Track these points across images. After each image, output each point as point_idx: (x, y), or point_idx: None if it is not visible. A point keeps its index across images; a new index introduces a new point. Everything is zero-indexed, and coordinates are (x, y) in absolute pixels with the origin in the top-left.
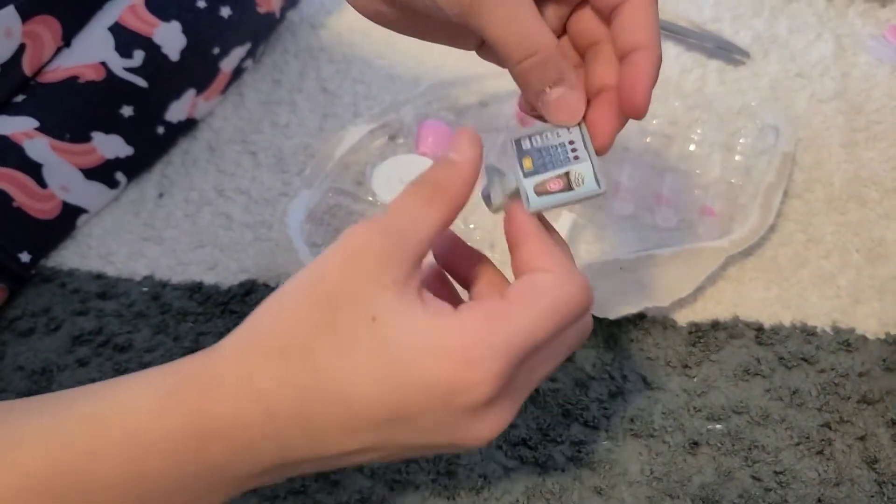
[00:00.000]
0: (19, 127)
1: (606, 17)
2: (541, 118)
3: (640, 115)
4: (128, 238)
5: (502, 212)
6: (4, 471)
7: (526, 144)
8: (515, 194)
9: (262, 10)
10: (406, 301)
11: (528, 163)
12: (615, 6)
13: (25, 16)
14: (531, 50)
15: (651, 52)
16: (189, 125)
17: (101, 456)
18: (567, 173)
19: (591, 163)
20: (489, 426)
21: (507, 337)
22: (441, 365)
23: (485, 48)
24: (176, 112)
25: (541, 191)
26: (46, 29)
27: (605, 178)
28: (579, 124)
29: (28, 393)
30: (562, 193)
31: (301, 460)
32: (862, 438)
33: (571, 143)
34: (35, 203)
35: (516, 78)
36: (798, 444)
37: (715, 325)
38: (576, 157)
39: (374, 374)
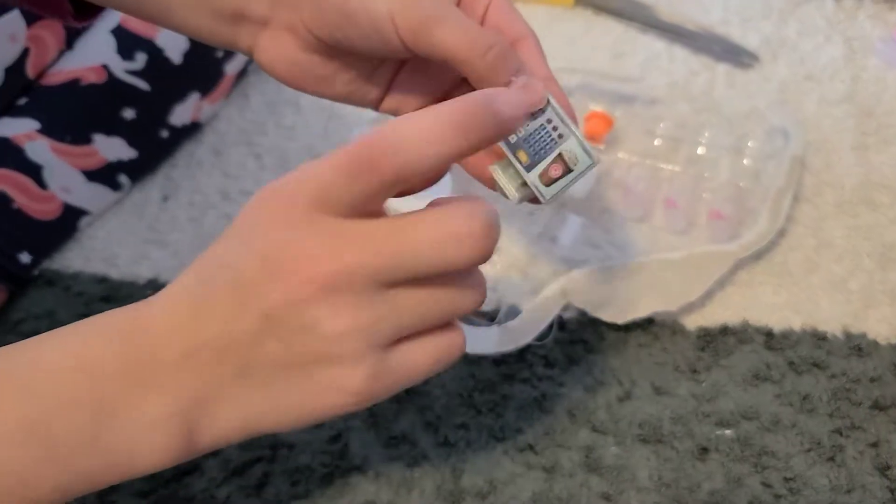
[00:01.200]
0: (20, 129)
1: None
2: None
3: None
4: (132, 241)
5: (525, 202)
6: None
7: (512, 137)
8: (523, 185)
9: None
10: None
11: (523, 156)
12: (482, 14)
13: (30, 20)
14: (491, 43)
15: (531, 38)
16: (193, 128)
17: (49, 343)
18: (560, 154)
19: (576, 137)
20: (301, 264)
21: (381, 230)
22: (300, 242)
23: (387, 100)
24: (180, 115)
25: (546, 180)
26: (50, 33)
27: (592, 150)
28: (546, 98)
29: None
30: (565, 177)
31: (199, 346)
32: (874, 445)
33: (550, 121)
34: (35, 204)
35: (484, 72)
36: (809, 450)
37: (724, 330)
38: (560, 136)
39: (239, 242)
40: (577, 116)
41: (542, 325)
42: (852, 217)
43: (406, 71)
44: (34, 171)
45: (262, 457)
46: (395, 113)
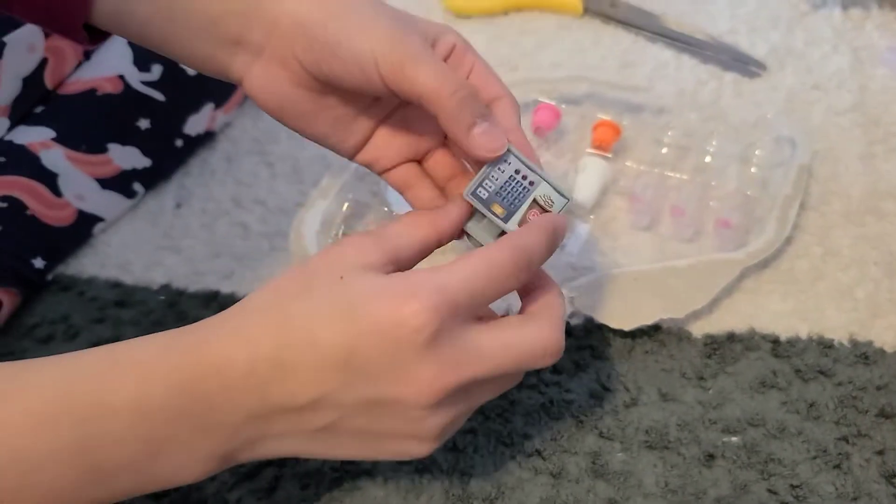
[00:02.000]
0: (36, 137)
1: None
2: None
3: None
4: (145, 247)
5: None
6: (25, 394)
7: (483, 193)
8: (501, 234)
9: None
10: (373, 272)
11: (498, 209)
12: (465, 77)
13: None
14: (459, 85)
15: (507, 98)
16: (207, 137)
17: (111, 382)
18: (535, 200)
19: (547, 181)
20: (431, 370)
21: (444, 278)
22: (387, 302)
23: (364, 152)
24: (194, 125)
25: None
26: (69, 44)
27: (565, 188)
28: (509, 151)
29: None
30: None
31: (277, 409)
32: (880, 452)
33: (518, 171)
34: (49, 211)
35: (450, 111)
36: (815, 457)
37: (731, 337)
38: (531, 183)
39: (335, 317)
40: (586, 125)
41: None
42: (859, 226)
43: (387, 126)
44: (49, 179)
45: (273, 461)
46: (370, 165)
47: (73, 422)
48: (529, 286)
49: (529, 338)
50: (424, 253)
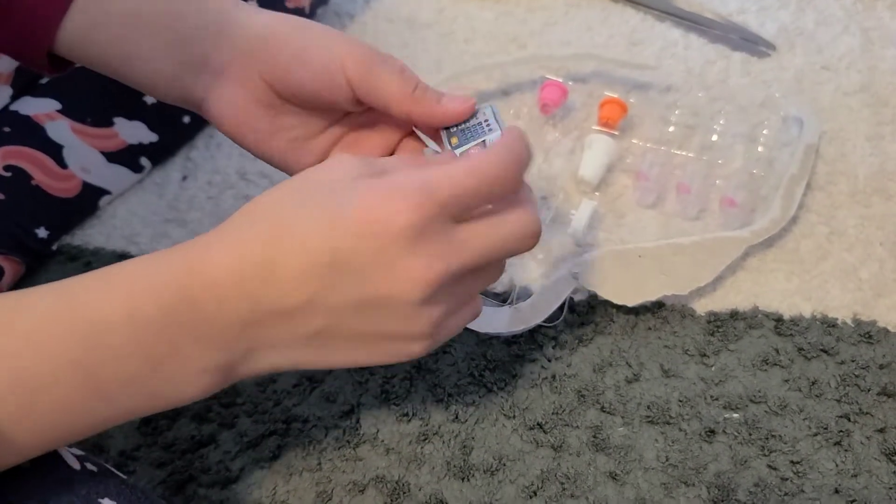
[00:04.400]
0: (42, 109)
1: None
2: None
3: None
4: (152, 219)
5: None
6: (24, 319)
7: (453, 129)
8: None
9: (290, 5)
10: (365, 176)
11: (454, 140)
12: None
13: None
14: (416, 82)
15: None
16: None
17: (106, 299)
18: (483, 142)
19: (501, 131)
20: (419, 263)
21: (431, 175)
22: (369, 199)
23: (338, 152)
24: None
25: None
26: None
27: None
28: (490, 106)
29: None
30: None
31: (268, 313)
32: (881, 430)
33: (486, 121)
34: (54, 182)
35: (415, 104)
36: (816, 434)
37: (734, 315)
38: (489, 129)
39: (324, 221)
40: (593, 103)
41: (553, 307)
42: (865, 206)
43: (342, 145)
44: (54, 150)
45: (276, 430)
46: None
47: (72, 341)
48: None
49: (510, 223)
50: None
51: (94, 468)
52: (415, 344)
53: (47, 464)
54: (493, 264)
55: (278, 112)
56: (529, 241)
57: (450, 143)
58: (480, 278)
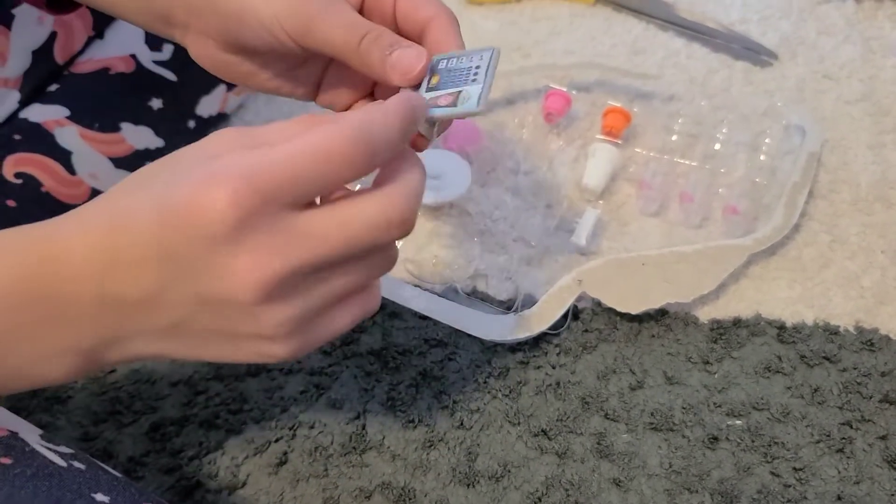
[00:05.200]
0: (51, 115)
1: (391, 17)
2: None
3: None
4: None
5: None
6: None
7: (441, 64)
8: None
9: None
10: (211, 160)
11: (435, 79)
12: (393, 3)
13: None
14: (364, 31)
15: (442, 15)
16: (220, 119)
17: None
18: (459, 92)
19: (483, 85)
20: (243, 263)
21: (255, 160)
22: (188, 190)
23: (321, 94)
24: (207, 106)
25: (432, 104)
26: (77, 17)
27: (485, 102)
28: (493, 50)
29: None
30: (446, 108)
31: (116, 302)
32: (883, 438)
33: (477, 67)
34: (63, 188)
35: (362, 58)
36: (818, 441)
37: (737, 323)
38: (473, 80)
39: (151, 207)
40: (596, 111)
41: (558, 315)
42: (867, 214)
43: (333, 68)
44: (64, 157)
45: (283, 436)
46: (331, 106)
47: None
48: (390, 163)
49: (368, 210)
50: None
51: (81, 466)
52: (274, 345)
53: (33, 465)
54: (357, 258)
55: (247, 55)
56: (394, 231)
57: (429, 82)
58: (342, 274)
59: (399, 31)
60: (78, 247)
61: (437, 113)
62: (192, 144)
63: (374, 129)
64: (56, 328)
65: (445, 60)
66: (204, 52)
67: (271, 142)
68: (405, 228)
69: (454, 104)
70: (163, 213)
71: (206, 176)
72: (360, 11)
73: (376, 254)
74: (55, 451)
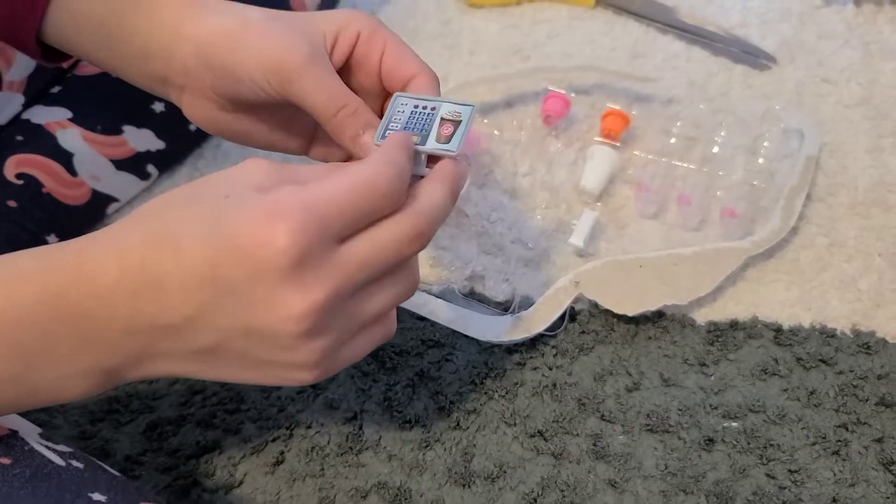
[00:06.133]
0: (54, 117)
1: (377, 73)
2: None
3: None
4: None
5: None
6: None
7: (394, 126)
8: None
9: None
10: (261, 192)
11: (414, 138)
12: (378, 60)
13: None
14: (342, 103)
15: (423, 74)
16: None
17: None
18: (442, 118)
19: (447, 101)
20: (295, 297)
21: (310, 195)
22: (247, 219)
23: (314, 148)
24: None
25: (444, 139)
26: None
27: (464, 100)
28: (396, 95)
29: None
30: (458, 129)
31: (151, 324)
32: (879, 440)
33: (416, 106)
34: (64, 190)
35: (335, 129)
36: (814, 443)
37: (734, 325)
38: (433, 109)
39: (202, 232)
40: (595, 114)
41: (555, 316)
42: (865, 217)
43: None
44: (65, 158)
45: (280, 436)
46: (325, 159)
47: None
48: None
49: (390, 229)
50: (326, 199)
51: (80, 465)
52: (304, 372)
53: (32, 465)
54: (384, 277)
55: (248, 111)
56: (415, 245)
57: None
58: (372, 295)
59: (383, 86)
60: (112, 267)
61: (460, 136)
62: (227, 172)
63: (399, 159)
64: (81, 349)
65: (388, 132)
66: (200, 113)
67: (304, 179)
68: (423, 242)
69: (458, 122)
70: (220, 242)
71: (266, 210)
72: (347, 64)
73: (399, 272)
74: (54, 451)
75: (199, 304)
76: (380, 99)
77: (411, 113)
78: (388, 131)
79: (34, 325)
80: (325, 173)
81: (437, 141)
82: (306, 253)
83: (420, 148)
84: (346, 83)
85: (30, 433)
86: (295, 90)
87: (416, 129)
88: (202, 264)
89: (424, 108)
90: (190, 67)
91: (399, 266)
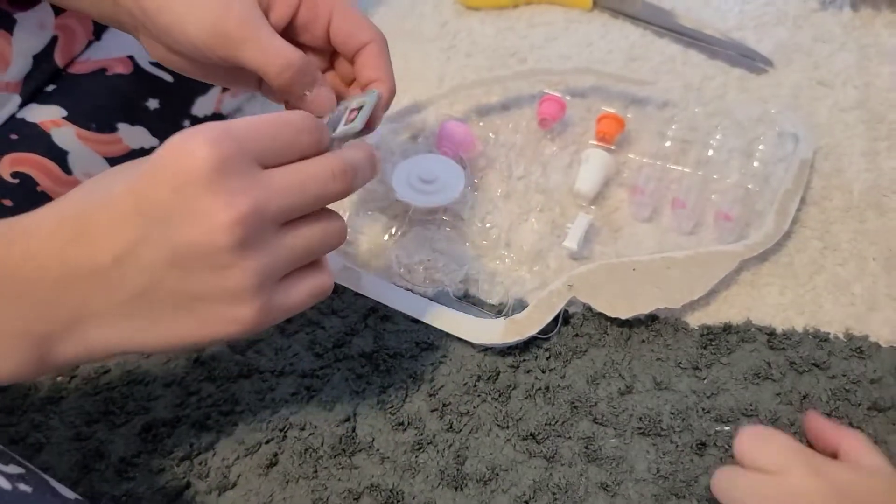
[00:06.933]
0: (48, 115)
1: (324, 37)
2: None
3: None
4: None
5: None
6: None
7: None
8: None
9: None
10: None
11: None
12: (326, 25)
13: (58, 11)
14: (286, 64)
15: (374, 43)
16: (215, 119)
17: None
18: (346, 108)
19: (358, 97)
20: (219, 203)
21: (229, 122)
22: (171, 141)
23: (265, 86)
24: (202, 106)
25: (348, 121)
26: (78, 22)
27: (369, 90)
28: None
29: None
30: (361, 111)
31: (81, 272)
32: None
33: (346, 108)
34: (59, 188)
35: (280, 88)
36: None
37: (727, 329)
38: (345, 108)
39: (130, 170)
40: (591, 117)
41: (548, 319)
42: (859, 221)
43: None
44: (60, 157)
45: (273, 438)
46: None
47: None
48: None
49: (313, 165)
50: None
51: (28, 488)
52: (243, 306)
53: None
54: (316, 219)
55: (191, 60)
56: (338, 183)
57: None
58: (310, 231)
59: (333, 49)
60: (46, 221)
61: (363, 116)
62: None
63: (309, 117)
64: (15, 309)
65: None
66: (154, 52)
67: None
68: (346, 183)
69: (360, 107)
70: (141, 170)
71: (186, 133)
72: (290, 25)
73: (326, 216)
74: (1, 473)
75: (127, 241)
76: (328, 55)
77: (339, 112)
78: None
79: None
80: None
81: (345, 124)
82: (227, 162)
83: (333, 135)
84: (291, 41)
85: None
86: (235, 55)
87: (330, 126)
88: (127, 197)
89: (346, 108)
90: (137, 16)
91: (326, 211)
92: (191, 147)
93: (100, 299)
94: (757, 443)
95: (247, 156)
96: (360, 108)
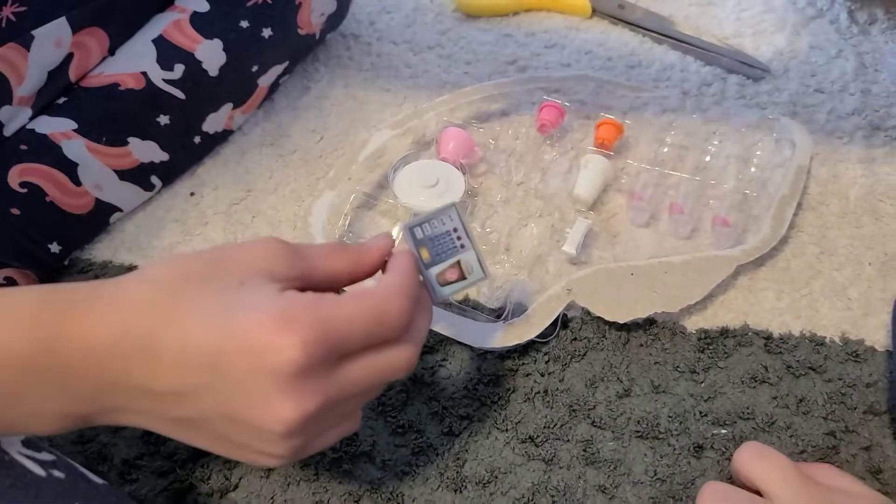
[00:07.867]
0: (58, 127)
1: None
2: None
3: None
4: (160, 233)
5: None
6: None
7: (419, 233)
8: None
9: (303, 31)
10: (274, 285)
11: (425, 253)
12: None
13: (76, 27)
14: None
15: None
16: (225, 135)
17: None
18: (458, 262)
19: (475, 251)
20: (290, 405)
21: (327, 313)
22: (262, 320)
23: None
24: (213, 123)
25: (442, 281)
26: (94, 40)
27: (486, 266)
28: (455, 207)
29: None
30: (459, 283)
31: (137, 387)
32: (867, 448)
33: (455, 230)
34: (68, 199)
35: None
36: (803, 451)
37: (724, 333)
38: (462, 246)
39: (215, 320)
40: (589, 123)
41: (547, 323)
42: (856, 227)
43: None
44: (69, 168)
45: None
46: None
47: None
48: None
49: (389, 358)
50: (334, 284)
51: (61, 475)
52: (273, 460)
53: (11, 475)
54: (367, 392)
55: None
56: (402, 373)
57: (420, 256)
58: (355, 402)
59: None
60: (112, 329)
61: (454, 289)
62: (243, 249)
63: (415, 295)
64: (64, 398)
65: (420, 228)
66: None
67: (316, 267)
68: (411, 371)
69: (462, 277)
70: (229, 333)
71: (283, 318)
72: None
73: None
74: (35, 460)
75: (193, 384)
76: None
77: (445, 233)
78: (418, 228)
79: (22, 370)
80: (335, 265)
81: (438, 278)
82: (311, 367)
83: (423, 271)
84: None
85: (11, 442)
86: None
87: (434, 250)
88: (207, 350)
89: (458, 238)
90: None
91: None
92: (283, 344)
93: (147, 408)
94: (756, 461)
95: (332, 356)
96: (461, 275)
